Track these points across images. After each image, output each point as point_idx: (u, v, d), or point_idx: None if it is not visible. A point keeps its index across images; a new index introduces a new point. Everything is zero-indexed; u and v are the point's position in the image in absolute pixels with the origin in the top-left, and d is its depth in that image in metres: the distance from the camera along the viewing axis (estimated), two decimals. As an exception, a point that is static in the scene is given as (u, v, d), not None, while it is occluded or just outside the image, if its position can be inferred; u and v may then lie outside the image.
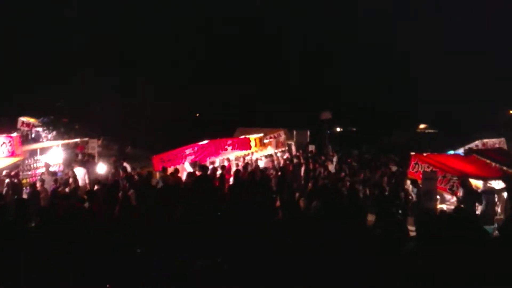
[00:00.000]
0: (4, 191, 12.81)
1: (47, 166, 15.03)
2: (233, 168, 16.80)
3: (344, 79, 53.30)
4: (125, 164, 16.87)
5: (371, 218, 10.92)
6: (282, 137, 23.32)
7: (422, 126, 49.71)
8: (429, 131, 47.93)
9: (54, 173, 14.83)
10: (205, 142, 16.87)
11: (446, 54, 52.22)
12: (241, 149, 19.33)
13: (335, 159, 21.71)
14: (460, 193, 11.90)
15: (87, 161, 17.76)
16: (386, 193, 12.83)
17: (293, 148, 24.35)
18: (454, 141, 22.97)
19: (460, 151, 19.18)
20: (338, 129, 44.70)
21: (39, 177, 14.07)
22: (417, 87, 51.90)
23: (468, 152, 17.20)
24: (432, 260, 6.96)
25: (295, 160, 19.55)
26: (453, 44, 52.57)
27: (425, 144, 31.72)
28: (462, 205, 11.29)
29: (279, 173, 16.43)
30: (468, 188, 11.52)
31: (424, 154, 14.34)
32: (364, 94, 51.20)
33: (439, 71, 51.25)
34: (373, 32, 57.30)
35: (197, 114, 52.95)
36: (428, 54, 54.61)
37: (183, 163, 15.88)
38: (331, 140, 33.13)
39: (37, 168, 15.67)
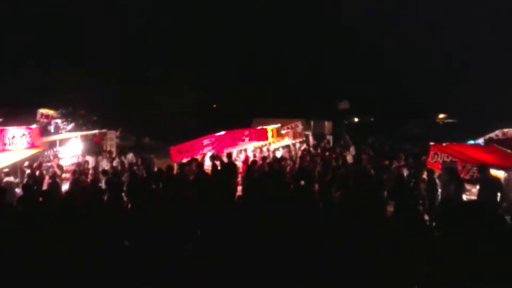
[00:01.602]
0: (25, 182, 13.00)
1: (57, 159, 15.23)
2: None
3: (362, 68, 52.90)
4: (130, 155, 17.09)
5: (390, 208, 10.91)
6: (299, 127, 23.21)
7: (441, 116, 49.09)
8: (449, 120, 47.34)
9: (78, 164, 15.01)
10: (223, 133, 16.87)
11: (465, 43, 51.42)
12: (258, 140, 19.30)
13: (352, 149, 21.55)
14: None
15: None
16: (404, 184, 12.74)
17: (311, 139, 24.22)
18: (474, 131, 22.64)
19: (480, 140, 18.92)
20: (356, 119, 44.36)
21: (50, 170, 14.23)
22: (436, 76, 51.34)
23: (488, 141, 16.96)
24: (451, 250, 6.95)
25: (312, 151, 19.48)
26: (473, 34, 51.70)
27: (444, 134, 31.33)
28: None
29: (296, 164, 16.40)
30: (487, 177, 11.28)
31: (444, 144, 14.12)
32: (382, 84, 50.77)
33: (458, 60, 50.50)
34: (390, 20, 56.58)
35: (214, 105, 52.94)
36: (447, 43, 53.91)
37: (201, 154, 15.91)
38: (348, 130, 32.93)
39: (56, 159, 15.84)
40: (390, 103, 46.99)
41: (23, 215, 8.37)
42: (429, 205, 11.89)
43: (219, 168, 14.07)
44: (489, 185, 11.00)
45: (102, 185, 12.41)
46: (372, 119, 46.65)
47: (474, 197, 11.75)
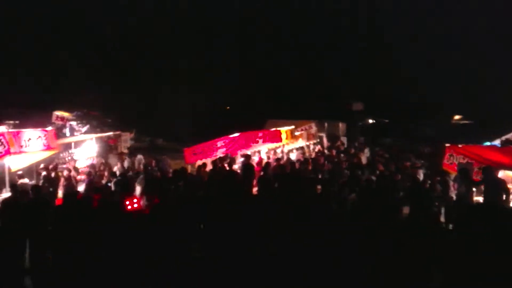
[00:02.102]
0: (40, 184, 13.10)
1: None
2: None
3: (378, 69, 52.54)
4: (139, 156, 17.16)
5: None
6: (313, 129, 23.12)
7: (457, 117, 48.48)
8: (465, 122, 46.75)
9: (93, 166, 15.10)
10: (236, 134, 16.84)
11: (483, 42, 50.87)
12: (272, 141, 19.25)
13: (366, 151, 21.40)
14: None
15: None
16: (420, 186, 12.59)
17: (325, 140, 24.09)
18: (490, 132, 22.33)
19: (497, 142, 18.65)
20: (370, 121, 43.97)
21: (65, 171, 14.33)
22: (452, 77, 50.76)
23: (505, 143, 16.71)
24: (466, 251, 6.88)
25: (326, 152, 19.38)
26: (490, 34, 51.10)
27: (460, 135, 30.93)
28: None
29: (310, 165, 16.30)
30: (491, 177, 11.13)
31: (459, 146, 13.95)
32: (397, 85, 50.34)
33: (474, 61, 49.93)
34: (407, 20, 56.09)
35: (228, 107, 52.98)
36: (463, 44, 53.33)
37: (215, 156, 15.90)
38: (363, 131, 32.70)
39: (71, 161, 15.96)
40: (405, 104, 46.60)
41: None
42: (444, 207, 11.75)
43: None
44: (493, 186, 10.89)
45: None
46: (387, 121, 46.25)
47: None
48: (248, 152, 17.75)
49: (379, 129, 38.70)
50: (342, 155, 18.69)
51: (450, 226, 9.23)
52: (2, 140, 11.18)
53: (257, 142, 18.07)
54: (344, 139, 26.11)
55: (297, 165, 15.20)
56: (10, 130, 17.43)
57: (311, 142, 22.75)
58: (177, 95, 45.29)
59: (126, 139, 21.48)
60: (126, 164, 16.14)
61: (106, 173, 14.75)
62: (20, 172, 13.03)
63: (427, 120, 41.28)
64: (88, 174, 13.80)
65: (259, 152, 17.94)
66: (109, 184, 12.85)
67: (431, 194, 11.78)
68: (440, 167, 14.36)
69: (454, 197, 11.77)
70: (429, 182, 12.92)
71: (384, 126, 41.54)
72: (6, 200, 9.41)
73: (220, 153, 15.99)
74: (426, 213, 9.55)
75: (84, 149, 17.16)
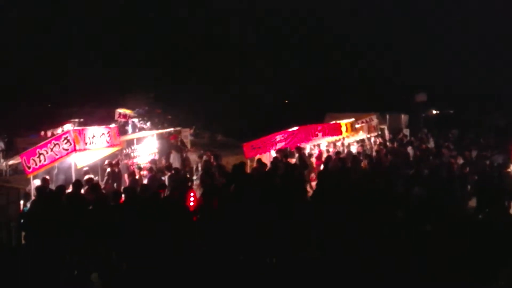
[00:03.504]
0: (104, 180, 13.43)
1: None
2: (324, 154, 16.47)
3: (443, 58, 50.81)
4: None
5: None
6: (374, 121, 22.51)
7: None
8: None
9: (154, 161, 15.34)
10: (295, 128, 16.62)
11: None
12: (332, 135, 18.85)
13: (431, 143, 20.65)
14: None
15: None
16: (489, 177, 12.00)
17: (386, 133, 23.44)
18: None
19: None
20: (434, 112, 42.52)
21: (136, 166, 14.61)
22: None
23: None
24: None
25: (389, 145, 18.85)
26: None
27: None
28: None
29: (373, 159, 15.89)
30: None
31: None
32: (462, 75, 48.48)
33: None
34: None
35: (286, 101, 52.76)
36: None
37: (274, 150, 15.77)
38: (426, 123, 31.66)
39: (134, 157, 16.26)
40: (471, 95, 44.76)
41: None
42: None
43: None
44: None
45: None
46: (452, 111, 44.57)
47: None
48: (307, 146, 17.62)
49: (443, 120, 37.37)
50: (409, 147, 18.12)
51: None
52: (68, 138, 11.47)
53: (317, 135, 17.73)
54: (406, 131, 25.32)
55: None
56: (76, 128, 18.04)
57: (372, 134, 22.16)
58: (236, 91, 45.62)
59: (186, 135, 21.74)
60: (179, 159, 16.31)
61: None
62: (86, 169, 13.40)
63: (498, 111, 39.41)
64: (150, 169, 14.00)
65: (318, 145, 17.64)
66: (163, 178, 12.99)
67: (500, 186, 11.18)
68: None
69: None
70: (497, 174, 12.29)
71: (449, 117, 40.11)
72: (69, 195, 9.63)
73: (279, 147, 15.86)
74: (494, 206, 9.01)
75: (146, 145, 17.45)
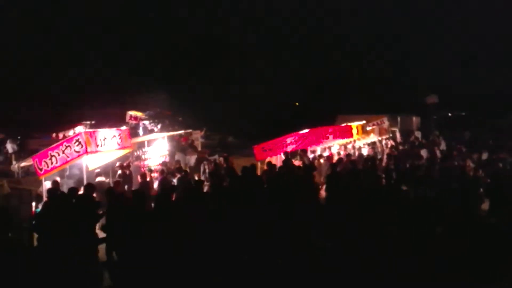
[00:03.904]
0: (115, 182, 13.45)
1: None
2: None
3: (452, 60, 50.39)
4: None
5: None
6: (386, 123, 22.44)
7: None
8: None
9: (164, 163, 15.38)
10: (306, 131, 16.58)
11: None
12: (343, 137, 18.80)
13: (443, 145, 20.50)
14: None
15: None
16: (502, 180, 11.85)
17: (398, 135, 23.33)
18: None
19: None
20: (445, 114, 42.15)
21: (147, 168, 14.64)
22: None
23: None
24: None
25: (400, 147, 18.74)
26: None
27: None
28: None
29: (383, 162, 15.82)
30: None
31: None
32: (473, 76, 48.01)
33: None
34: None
35: (297, 103, 52.70)
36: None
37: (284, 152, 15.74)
38: (438, 125, 31.41)
39: (145, 159, 16.30)
40: (483, 96, 44.32)
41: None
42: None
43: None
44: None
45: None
46: (463, 113, 44.17)
47: None
48: (318, 149, 17.58)
49: (455, 122, 37.05)
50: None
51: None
52: (80, 140, 11.51)
53: (328, 138, 17.67)
54: (418, 134, 25.16)
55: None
56: (87, 130, 18.15)
57: (384, 137, 22.06)
58: (246, 93, 45.63)
59: (197, 137, 21.80)
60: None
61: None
62: (98, 171, 13.46)
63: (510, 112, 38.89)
64: (161, 172, 14.02)
65: (329, 148, 17.58)
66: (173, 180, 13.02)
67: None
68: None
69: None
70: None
71: (461, 119, 39.76)
72: (80, 197, 9.66)
73: (289, 150, 15.83)
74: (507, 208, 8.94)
75: (156, 147, 17.50)
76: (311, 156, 16.27)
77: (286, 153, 14.45)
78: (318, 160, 16.10)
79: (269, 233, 8.31)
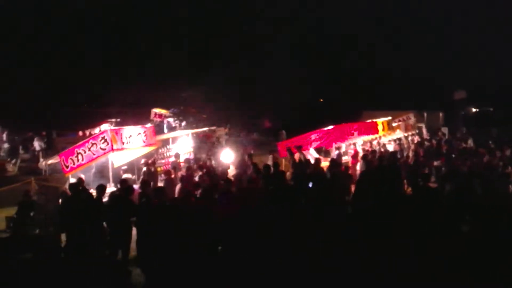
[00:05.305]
0: (140, 179, 13.52)
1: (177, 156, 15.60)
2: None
3: (480, 54, 49.28)
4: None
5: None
6: (412, 119, 22.09)
7: None
8: None
9: (188, 161, 15.35)
10: (331, 127, 16.45)
11: None
12: (368, 133, 18.61)
13: (470, 141, 20.05)
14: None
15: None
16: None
17: (424, 131, 22.95)
18: None
19: None
20: (473, 110, 41.37)
21: (171, 165, 14.66)
22: None
23: None
24: None
25: (426, 144, 18.40)
26: None
27: None
28: None
29: (409, 158, 15.56)
30: None
31: None
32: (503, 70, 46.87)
33: None
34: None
35: (321, 99, 52.35)
36: None
37: (308, 149, 15.63)
38: (465, 121, 30.82)
39: (169, 156, 16.34)
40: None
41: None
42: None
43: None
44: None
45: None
46: (492, 109, 43.19)
47: None
48: (343, 145, 17.40)
49: (483, 118, 36.27)
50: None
51: None
52: (106, 138, 11.64)
53: (353, 134, 17.53)
54: (445, 130, 24.69)
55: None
56: (113, 127, 18.29)
57: (410, 133, 21.73)
58: (270, 90, 45.49)
59: (221, 134, 21.80)
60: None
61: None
62: (124, 167, 13.57)
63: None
64: (187, 169, 14.03)
65: (354, 144, 17.41)
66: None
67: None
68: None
69: None
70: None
71: (489, 115, 38.92)
72: (113, 194, 9.72)
73: (314, 146, 15.73)
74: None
75: (181, 144, 17.53)
76: (335, 152, 16.10)
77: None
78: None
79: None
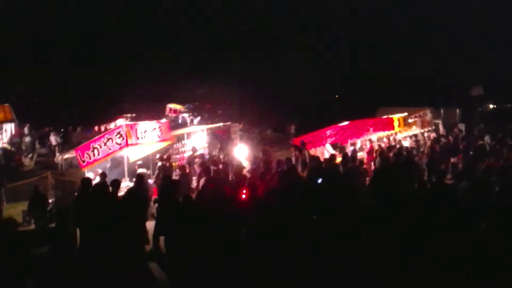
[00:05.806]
0: (155, 174, 13.60)
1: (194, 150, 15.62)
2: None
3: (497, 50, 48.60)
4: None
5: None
6: (428, 116, 21.86)
7: None
8: None
9: (202, 156, 15.39)
10: (346, 123, 16.35)
11: None
12: (384, 129, 18.46)
13: (487, 138, 19.77)
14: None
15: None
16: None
17: (441, 127, 22.69)
18: None
19: None
20: (491, 106, 40.74)
21: (186, 160, 14.71)
22: None
23: None
24: None
25: (442, 140, 18.19)
26: None
27: None
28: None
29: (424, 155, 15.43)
30: None
31: None
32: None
33: None
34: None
35: (337, 95, 52.10)
36: None
37: (324, 145, 15.57)
38: (483, 118, 30.43)
39: (184, 151, 16.38)
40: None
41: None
42: None
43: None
44: None
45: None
46: (510, 106, 42.56)
47: None
48: (358, 141, 17.30)
49: (501, 114, 35.73)
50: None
51: None
52: (121, 133, 11.72)
53: (368, 130, 17.40)
54: (462, 126, 24.39)
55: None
56: (128, 122, 18.40)
57: (426, 129, 21.50)
58: (285, 86, 45.41)
59: (236, 131, 21.79)
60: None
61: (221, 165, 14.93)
62: (139, 162, 13.65)
63: None
64: (201, 164, 14.05)
65: (370, 140, 17.30)
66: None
67: None
68: None
69: None
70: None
71: (507, 111, 38.32)
72: (131, 189, 9.76)
73: (329, 142, 15.66)
74: None
75: (195, 140, 17.56)
76: (351, 148, 16.01)
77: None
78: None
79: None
